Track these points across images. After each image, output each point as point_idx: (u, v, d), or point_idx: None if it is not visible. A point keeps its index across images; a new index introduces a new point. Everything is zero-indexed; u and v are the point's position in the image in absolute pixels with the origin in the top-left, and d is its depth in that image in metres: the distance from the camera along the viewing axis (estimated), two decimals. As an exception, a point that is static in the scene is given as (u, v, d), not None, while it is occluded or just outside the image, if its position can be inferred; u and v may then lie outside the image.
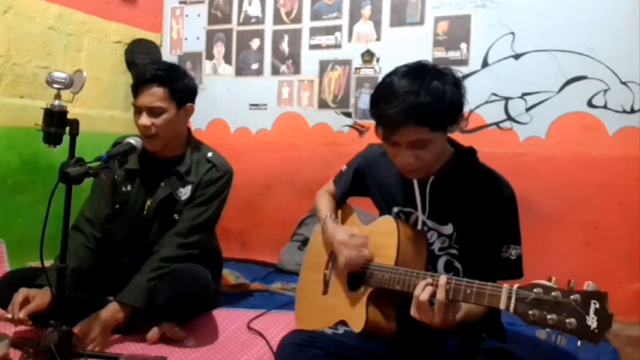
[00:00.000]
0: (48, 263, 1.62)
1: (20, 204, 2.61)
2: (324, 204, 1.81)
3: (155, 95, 1.93)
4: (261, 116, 3.30)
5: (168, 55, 3.50)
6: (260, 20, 3.31)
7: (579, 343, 1.04)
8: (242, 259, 3.14)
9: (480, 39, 2.77)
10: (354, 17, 3.06)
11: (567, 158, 2.61)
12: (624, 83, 2.52)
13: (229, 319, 2.10)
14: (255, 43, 3.32)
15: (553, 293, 1.08)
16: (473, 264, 1.47)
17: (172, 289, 1.84)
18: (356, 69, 3.06)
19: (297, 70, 3.22)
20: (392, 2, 2.97)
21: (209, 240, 2.12)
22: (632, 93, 2.51)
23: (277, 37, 3.27)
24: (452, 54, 2.83)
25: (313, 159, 3.11)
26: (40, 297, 1.70)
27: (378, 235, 1.57)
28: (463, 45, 2.81)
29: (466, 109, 1.43)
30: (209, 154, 2.10)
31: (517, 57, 2.71)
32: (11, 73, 2.62)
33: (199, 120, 3.29)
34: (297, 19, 3.21)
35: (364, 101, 3.05)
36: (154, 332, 1.86)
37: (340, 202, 1.83)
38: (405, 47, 2.89)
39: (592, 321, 1.03)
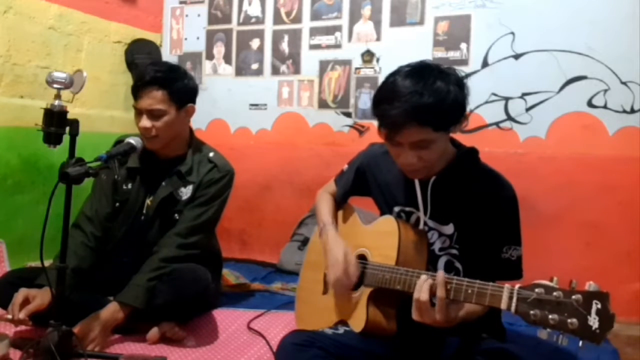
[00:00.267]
0: (48, 263, 1.62)
1: (20, 204, 2.61)
2: (324, 207, 1.79)
3: (155, 97, 1.92)
4: (261, 116, 3.30)
5: (168, 55, 3.50)
6: (260, 20, 3.31)
7: (580, 343, 1.04)
8: (242, 259, 3.14)
9: (480, 39, 2.77)
10: (354, 17, 3.06)
11: (567, 158, 2.61)
12: (624, 83, 2.52)
13: (229, 319, 2.10)
14: (255, 43, 3.32)
15: (555, 293, 1.08)
16: (473, 264, 1.47)
17: (172, 289, 1.84)
18: (356, 69, 3.06)
19: (297, 70, 3.22)
20: (392, 2, 2.97)
21: (209, 241, 2.12)
22: (632, 93, 2.51)
23: (277, 37, 3.27)
24: (452, 54, 2.83)
25: (313, 159, 3.11)
26: (40, 297, 1.70)
27: (379, 235, 1.57)
28: (463, 45, 2.81)
29: (467, 109, 1.43)
30: (211, 154, 2.10)
31: (517, 57, 2.71)
32: (11, 73, 2.61)
33: (199, 120, 3.29)
34: (297, 19, 3.21)
35: (364, 101, 3.05)
36: (154, 332, 1.86)
37: (341, 202, 1.83)
38: (405, 47, 2.89)
39: (593, 321, 1.02)
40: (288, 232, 3.05)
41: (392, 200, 1.61)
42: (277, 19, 3.26)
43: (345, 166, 1.81)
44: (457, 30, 2.82)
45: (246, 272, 2.79)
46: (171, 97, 1.95)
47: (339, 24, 3.10)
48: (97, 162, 1.64)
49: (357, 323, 1.49)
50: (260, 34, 3.31)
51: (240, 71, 3.37)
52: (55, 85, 1.66)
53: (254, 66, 3.33)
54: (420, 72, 1.38)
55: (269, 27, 3.29)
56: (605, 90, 2.55)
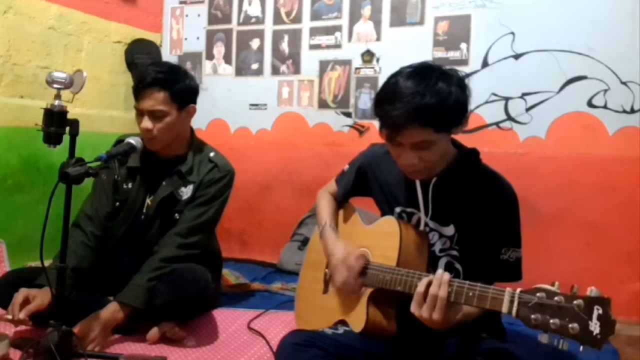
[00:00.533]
0: (48, 263, 1.62)
1: (20, 204, 2.61)
2: (325, 208, 1.79)
3: (156, 99, 1.92)
4: (261, 116, 3.30)
5: (168, 55, 3.50)
6: (260, 20, 3.31)
7: (581, 348, 1.04)
8: (242, 259, 3.14)
9: (480, 39, 2.77)
10: (354, 17, 3.06)
11: (567, 158, 2.61)
12: (624, 83, 2.52)
13: (229, 319, 2.10)
14: (255, 43, 3.32)
15: (556, 298, 1.08)
16: (473, 265, 1.47)
17: (172, 289, 1.84)
18: (356, 69, 3.06)
19: (297, 70, 3.22)
20: (392, 2, 2.97)
21: (209, 241, 2.12)
22: (632, 93, 2.51)
23: (277, 37, 3.27)
24: (452, 54, 2.83)
25: (313, 159, 3.11)
26: (41, 297, 1.70)
27: (380, 236, 1.57)
28: (463, 45, 2.81)
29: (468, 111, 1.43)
30: (211, 154, 2.10)
31: (517, 57, 2.71)
32: (11, 73, 2.61)
33: (199, 120, 3.27)
34: (297, 19, 3.20)
35: (364, 101, 3.05)
36: (154, 332, 1.86)
37: (342, 202, 1.83)
38: (405, 47, 2.89)
39: (594, 327, 1.03)
40: (288, 232, 3.05)
41: (393, 200, 1.61)
42: (277, 19, 3.26)
43: (346, 166, 1.81)
44: (457, 30, 2.82)
45: (246, 272, 2.79)
46: (173, 98, 1.95)
47: (339, 24, 3.10)
48: (97, 162, 1.64)
49: (357, 323, 1.49)
50: (260, 34, 3.31)
51: (240, 71, 3.37)
52: (55, 85, 1.66)
53: (254, 66, 3.33)
54: (422, 73, 1.38)
55: (269, 27, 3.29)
56: (605, 90, 2.55)
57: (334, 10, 3.11)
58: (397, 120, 1.34)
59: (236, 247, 3.25)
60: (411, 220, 1.57)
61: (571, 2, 2.61)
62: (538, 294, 1.10)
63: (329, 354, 1.40)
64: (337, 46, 3.11)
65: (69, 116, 1.66)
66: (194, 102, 2.06)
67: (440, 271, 1.28)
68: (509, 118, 2.73)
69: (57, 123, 1.63)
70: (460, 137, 1.55)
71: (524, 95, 2.70)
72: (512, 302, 1.14)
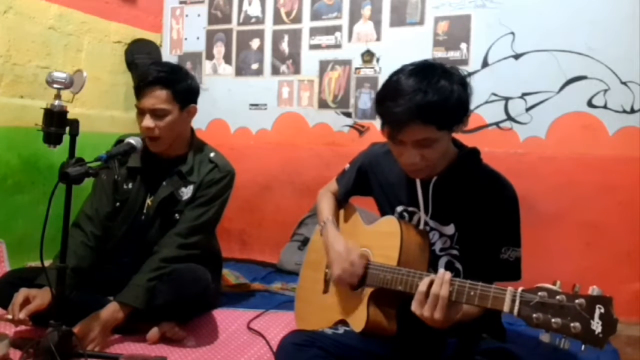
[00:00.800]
0: (48, 263, 1.62)
1: (20, 204, 2.61)
2: (326, 205, 1.80)
3: (158, 97, 1.92)
4: (261, 116, 3.30)
5: (168, 55, 3.50)
6: (260, 20, 3.31)
7: (582, 347, 1.04)
8: (242, 259, 3.14)
9: (480, 39, 2.77)
10: (354, 17, 3.06)
11: (567, 158, 2.61)
12: (624, 83, 2.52)
13: (229, 319, 2.10)
14: (255, 43, 3.32)
15: (558, 297, 1.07)
16: (472, 264, 1.47)
17: (172, 289, 1.84)
18: (356, 69, 3.06)
19: (297, 70, 3.22)
20: (392, 2, 2.97)
21: (209, 241, 2.12)
22: (632, 93, 2.51)
23: (277, 37, 3.27)
24: (452, 54, 2.83)
25: (313, 159, 3.11)
26: (41, 297, 1.70)
27: (381, 236, 1.57)
28: (463, 45, 2.81)
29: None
30: (212, 155, 2.10)
31: (517, 57, 2.71)
32: (11, 73, 2.61)
33: (199, 120, 3.25)
34: (297, 19, 3.20)
35: (364, 101, 3.05)
36: (154, 332, 1.86)
37: (342, 201, 1.83)
38: (405, 47, 2.89)
39: (596, 326, 1.03)
40: (288, 232, 3.05)
41: (394, 200, 1.61)
42: (277, 19, 3.26)
43: (347, 166, 1.81)
44: (457, 30, 2.82)
45: (246, 272, 2.79)
46: (174, 97, 1.95)
47: (339, 24, 3.10)
48: (97, 162, 1.64)
49: (358, 323, 1.49)
50: (260, 34, 3.31)
51: (240, 71, 3.37)
52: (55, 85, 1.66)
53: (254, 66, 3.33)
54: (424, 70, 1.38)
55: (269, 27, 3.29)
56: (605, 90, 2.55)
57: (334, 10, 3.11)
58: (400, 117, 1.34)
59: (236, 247, 3.25)
60: (412, 220, 1.57)
61: (571, 2, 2.61)
62: (540, 293, 1.10)
63: (329, 354, 1.40)
64: (337, 46, 3.11)
65: (69, 116, 1.66)
66: (195, 102, 2.06)
67: (441, 270, 1.28)
68: (509, 118, 2.73)
69: (57, 123, 1.63)
70: (460, 137, 1.55)
71: (524, 95, 2.70)
72: (513, 301, 1.14)
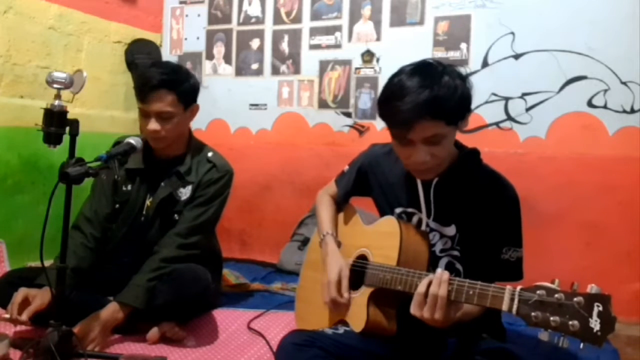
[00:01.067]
0: (48, 263, 1.62)
1: (20, 204, 2.61)
2: (325, 214, 1.78)
3: (164, 101, 1.91)
4: (261, 116, 3.30)
5: (168, 55, 3.50)
6: (260, 20, 3.31)
7: (581, 345, 1.04)
8: (242, 259, 3.14)
9: (480, 39, 2.77)
10: (354, 17, 3.06)
11: (567, 158, 2.61)
12: (624, 83, 2.52)
13: (229, 319, 2.10)
14: (255, 43, 3.32)
15: (556, 295, 1.07)
16: (473, 265, 1.47)
17: (172, 289, 1.84)
18: (356, 69, 3.06)
19: (297, 70, 3.22)
20: (392, 2, 2.97)
21: (209, 241, 2.12)
22: (632, 93, 2.51)
23: (277, 37, 3.27)
24: (452, 54, 2.83)
25: (313, 159, 3.11)
26: (40, 297, 1.70)
27: (380, 236, 1.57)
28: (463, 45, 2.81)
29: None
30: (210, 154, 2.10)
31: (517, 57, 2.71)
32: (11, 73, 2.62)
33: (199, 120, 3.25)
34: (297, 19, 3.20)
35: (364, 101, 3.05)
36: (154, 332, 1.86)
37: (342, 203, 1.83)
38: (405, 47, 2.89)
39: (595, 324, 1.02)
40: (288, 232, 3.05)
41: (394, 201, 1.61)
42: (277, 19, 3.26)
43: (346, 167, 1.81)
44: (457, 30, 2.82)
45: (246, 272, 2.79)
46: (179, 99, 1.94)
47: (339, 24, 3.10)
48: (97, 162, 1.64)
49: (358, 323, 1.49)
50: (260, 34, 3.31)
51: (240, 71, 3.37)
52: (55, 85, 1.66)
53: (254, 66, 3.33)
54: (425, 69, 1.39)
55: (269, 27, 3.29)
56: (605, 90, 2.55)
57: (334, 10, 3.11)
58: (409, 115, 1.34)
59: (236, 247, 3.25)
60: (411, 221, 1.57)
61: (571, 2, 2.61)
62: (538, 292, 1.10)
63: (329, 354, 1.40)
64: (337, 46, 3.11)
65: (69, 116, 1.66)
66: (197, 100, 2.07)
67: (439, 270, 1.28)
68: (509, 118, 2.73)
69: (57, 123, 1.63)
70: (460, 137, 1.55)
71: (524, 95, 2.70)
72: (512, 299, 1.14)
